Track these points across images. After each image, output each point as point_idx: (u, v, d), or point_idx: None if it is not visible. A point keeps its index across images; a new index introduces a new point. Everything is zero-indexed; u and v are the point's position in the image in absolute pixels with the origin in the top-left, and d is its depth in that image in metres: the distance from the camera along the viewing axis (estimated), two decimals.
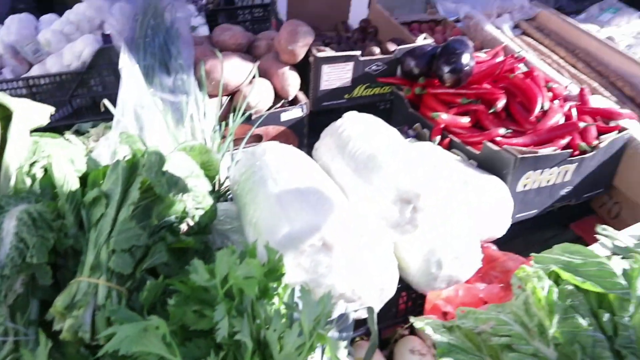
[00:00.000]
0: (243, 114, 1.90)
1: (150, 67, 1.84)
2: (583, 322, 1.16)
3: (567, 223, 2.28)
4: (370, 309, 1.09)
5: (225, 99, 2.03)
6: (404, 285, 1.47)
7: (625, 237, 1.71)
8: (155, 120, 1.72)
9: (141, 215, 1.05)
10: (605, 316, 1.19)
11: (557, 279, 1.30)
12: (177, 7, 2.09)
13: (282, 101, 2.16)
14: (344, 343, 0.86)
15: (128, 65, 1.79)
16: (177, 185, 1.13)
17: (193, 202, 1.23)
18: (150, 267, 1.06)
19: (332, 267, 1.15)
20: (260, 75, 2.12)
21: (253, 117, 2.02)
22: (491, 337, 1.21)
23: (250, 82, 2.07)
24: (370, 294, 1.27)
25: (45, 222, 0.98)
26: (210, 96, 1.96)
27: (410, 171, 1.29)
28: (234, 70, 2.03)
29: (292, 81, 2.15)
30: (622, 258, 1.57)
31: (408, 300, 1.57)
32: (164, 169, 1.11)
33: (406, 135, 2.01)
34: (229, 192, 1.67)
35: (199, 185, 1.29)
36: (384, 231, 1.29)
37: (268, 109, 2.10)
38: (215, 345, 0.92)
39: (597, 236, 1.72)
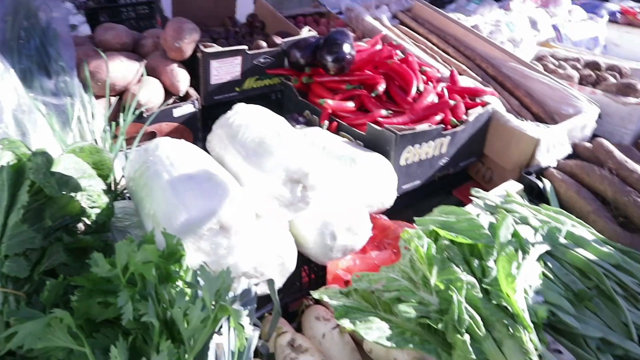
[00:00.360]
0: (133, 112, 1.90)
1: (27, 70, 1.77)
2: (457, 269, 1.34)
3: (450, 190, 2.53)
4: (270, 281, 1.18)
5: (114, 99, 2.00)
6: (304, 260, 1.58)
7: (494, 196, 1.95)
8: (39, 125, 1.67)
9: (33, 218, 1.05)
10: (476, 262, 1.38)
11: (436, 237, 1.48)
12: (52, 7, 2.02)
13: (173, 97, 2.18)
14: (245, 312, 0.93)
15: (1, 70, 1.71)
16: (69, 184, 1.13)
17: (88, 202, 1.24)
18: (49, 268, 1.07)
19: (232, 247, 1.22)
20: (148, 74, 2.11)
21: (145, 115, 2.02)
22: (383, 294, 1.36)
23: (139, 80, 2.06)
24: (272, 269, 1.37)
25: None
26: (98, 97, 1.93)
27: (297, 153, 1.38)
28: (121, 69, 2.01)
29: (181, 77, 2.17)
30: (491, 214, 1.81)
31: (311, 274, 1.68)
32: (53, 170, 1.11)
33: (297, 122, 2.12)
34: (126, 191, 1.68)
35: (93, 185, 1.30)
36: (278, 211, 1.38)
37: (159, 107, 2.10)
38: (124, 332, 0.96)
39: (472, 198, 1.95)
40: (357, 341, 1.44)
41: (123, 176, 1.69)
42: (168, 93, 2.18)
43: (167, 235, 1.00)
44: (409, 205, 2.22)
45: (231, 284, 0.97)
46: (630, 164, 2.12)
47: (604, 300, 1.53)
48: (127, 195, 1.66)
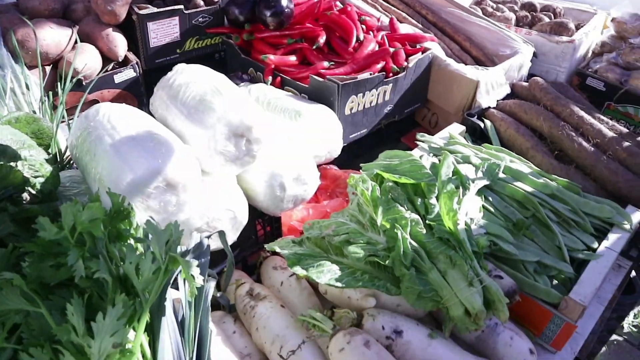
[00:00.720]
0: (70, 80, 1.85)
1: None
2: (402, 209, 1.41)
3: (399, 137, 2.60)
4: (221, 233, 1.22)
5: (49, 69, 1.94)
6: (258, 213, 1.62)
7: (438, 139, 2.03)
8: None
9: None
10: (419, 200, 1.46)
11: (381, 180, 1.54)
12: None
13: (112, 63, 2.12)
14: (195, 263, 0.97)
15: None
16: (6, 154, 1.12)
17: (30, 171, 1.23)
18: None
19: (182, 204, 1.25)
20: (82, 40, 2.05)
21: (84, 84, 1.97)
22: (333, 238, 1.42)
23: (73, 47, 2.00)
24: (224, 224, 1.40)
25: None
26: (31, 67, 1.87)
27: (238, 107, 1.40)
28: (51, 37, 1.94)
29: (118, 42, 2.12)
30: (436, 156, 1.89)
31: (266, 226, 1.73)
32: None
33: (241, 80, 2.12)
34: (71, 161, 1.66)
35: (34, 155, 1.28)
36: (225, 166, 1.40)
37: (98, 74, 2.05)
38: (79, 292, 0.98)
39: (417, 142, 2.02)
40: (314, 286, 1.50)
41: (67, 147, 1.67)
42: (106, 59, 2.12)
43: (112, 194, 1.02)
44: (359, 155, 2.28)
45: (180, 236, 1.00)
46: (563, 99, 2.23)
47: (540, 227, 1.65)
48: (74, 164, 1.64)
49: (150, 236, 0.96)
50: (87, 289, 0.97)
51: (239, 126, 1.36)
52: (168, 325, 1.03)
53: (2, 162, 1.10)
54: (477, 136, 2.22)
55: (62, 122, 1.79)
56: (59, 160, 1.60)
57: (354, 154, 2.19)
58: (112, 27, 2.12)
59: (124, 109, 1.42)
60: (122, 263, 0.98)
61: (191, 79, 1.56)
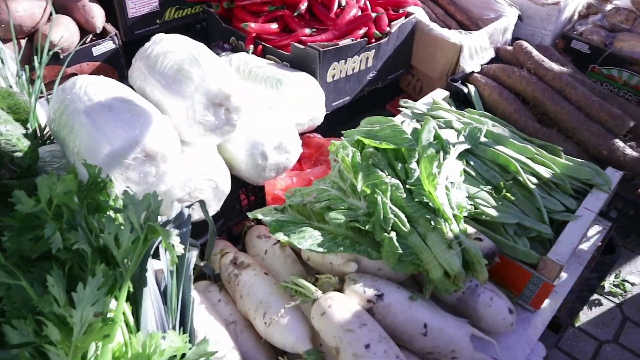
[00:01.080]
0: (47, 53, 1.82)
1: None
2: (382, 174, 1.41)
3: (384, 105, 2.60)
4: (201, 202, 1.22)
5: (24, 42, 1.90)
6: (241, 183, 1.62)
7: (421, 105, 2.03)
8: None
9: None
10: (399, 165, 1.46)
11: (363, 146, 1.55)
12: None
13: (90, 36, 2.09)
14: (176, 232, 0.98)
15: None
16: None
17: (7, 146, 1.23)
18: None
19: (162, 175, 1.25)
20: (58, 12, 2.01)
21: (61, 57, 1.94)
22: (315, 205, 1.43)
23: (48, 20, 1.96)
24: (207, 194, 1.41)
25: None
26: (4, 41, 1.83)
27: (217, 76, 1.39)
28: (25, 8, 1.90)
29: (95, 13, 2.08)
30: (418, 122, 1.89)
31: (250, 196, 1.74)
32: None
33: (222, 50, 2.09)
34: (52, 135, 1.65)
35: (11, 130, 1.27)
36: (205, 136, 1.40)
37: (76, 46, 2.02)
38: (60, 264, 0.99)
39: (400, 109, 2.02)
40: (297, 254, 1.52)
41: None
42: (84, 31, 2.09)
43: (88, 166, 1.02)
44: (342, 123, 2.27)
45: (159, 206, 1.01)
46: (547, 62, 2.23)
47: (520, 190, 1.67)
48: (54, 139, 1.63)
49: (128, 206, 0.96)
50: (67, 261, 0.98)
51: (218, 95, 1.36)
52: (150, 294, 1.05)
53: None
54: (461, 101, 2.22)
55: (41, 96, 1.77)
56: (39, 135, 1.59)
57: (337, 122, 2.19)
58: None
59: (102, 81, 1.41)
60: (101, 234, 0.99)
61: (169, 48, 1.54)
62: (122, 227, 0.95)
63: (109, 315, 0.92)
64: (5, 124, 1.27)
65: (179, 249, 0.99)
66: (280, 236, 1.33)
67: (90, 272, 0.95)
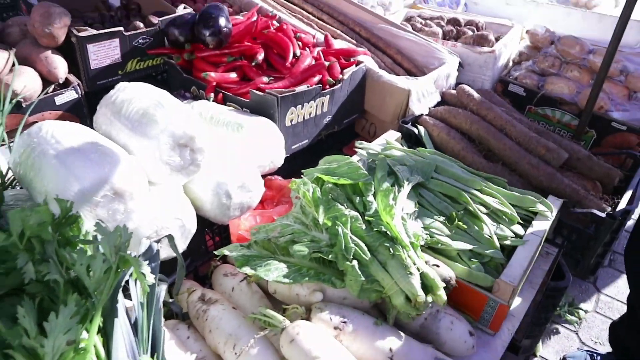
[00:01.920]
0: (10, 102, 1.84)
1: None
2: (342, 207, 1.49)
3: (341, 147, 2.71)
4: (169, 236, 1.26)
5: None
6: (206, 223, 1.66)
7: (375, 146, 2.14)
8: None
9: None
10: (357, 199, 1.55)
11: (322, 183, 1.63)
12: None
13: (53, 85, 2.13)
14: (146, 262, 1.01)
15: None
16: None
17: None
18: None
19: (130, 212, 1.28)
20: (21, 63, 2.05)
21: (24, 106, 1.97)
22: (279, 239, 1.49)
23: (11, 70, 1.99)
24: (173, 232, 1.44)
25: None
26: None
27: (181, 119, 1.46)
28: None
29: (58, 64, 2.12)
30: (374, 162, 2.00)
31: (214, 237, 1.77)
32: None
33: (184, 98, 2.17)
34: (15, 182, 1.65)
35: None
36: (171, 176, 1.45)
37: (38, 96, 2.05)
38: (30, 297, 1.00)
39: (356, 149, 2.13)
40: (264, 290, 1.56)
41: (9, 168, 1.66)
42: (46, 81, 2.12)
43: (60, 200, 1.04)
44: (302, 166, 2.36)
45: (129, 239, 1.04)
46: (488, 103, 2.42)
47: (472, 219, 1.78)
48: (17, 184, 1.64)
49: (99, 237, 0.99)
50: (37, 294, 0.99)
51: (182, 136, 1.42)
52: (121, 326, 1.06)
53: None
54: (413, 142, 2.36)
55: (2, 144, 1.78)
56: (0, 181, 1.60)
57: (297, 165, 2.27)
58: (51, 50, 2.13)
59: (67, 125, 1.45)
60: (73, 266, 1.01)
61: (134, 95, 1.60)
62: (94, 258, 0.98)
63: (80, 346, 0.94)
64: None
65: (150, 278, 1.02)
66: (247, 270, 1.37)
67: (62, 302, 0.96)
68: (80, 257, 0.98)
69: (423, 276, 1.39)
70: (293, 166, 2.16)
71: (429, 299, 1.38)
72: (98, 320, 0.97)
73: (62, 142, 1.34)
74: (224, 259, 1.68)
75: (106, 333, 1.03)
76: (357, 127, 2.73)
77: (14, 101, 1.87)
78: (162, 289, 1.18)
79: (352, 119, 2.52)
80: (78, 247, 1.06)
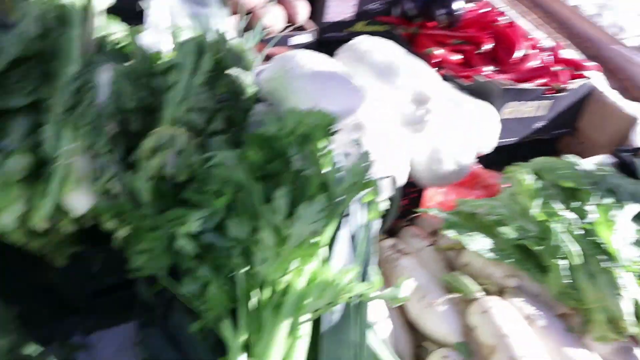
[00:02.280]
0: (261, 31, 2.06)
1: None
2: (557, 206, 1.42)
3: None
4: (392, 177, 1.31)
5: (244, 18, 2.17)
6: (407, 183, 1.70)
7: (589, 163, 2.00)
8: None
9: (210, 84, 1.21)
10: (574, 204, 1.46)
11: (537, 179, 1.56)
12: None
13: (292, 26, 2.33)
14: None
15: None
16: (240, 60, 1.30)
17: (239, 89, 1.41)
18: (214, 130, 1.23)
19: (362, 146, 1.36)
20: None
21: (265, 38, 2.18)
22: (485, 216, 1.46)
23: (264, 6, 2.22)
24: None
25: (136, 76, 1.13)
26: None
27: (423, 77, 1.50)
28: None
29: (300, 9, 2.32)
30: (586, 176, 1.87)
31: (410, 196, 1.80)
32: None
33: None
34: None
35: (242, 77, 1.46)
36: (399, 128, 1.50)
37: (279, 32, 2.26)
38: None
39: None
40: (447, 261, 1.55)
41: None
42: (288, 22, 2.33)
43: (323, 113, 1.14)
44: (492, 163, 2.29)
45: (370, 165, 1.11)
46: None
47: None
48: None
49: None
50: (291, 183, 1.09)
51: (422, 93, 1.46)
52: (343, 238, 1.13)
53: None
54: (626, 174, 2.15)
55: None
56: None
57: (488, 160, 2.21)
58: None
59: (318, 55, 1.57)
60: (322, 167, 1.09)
61: (375, 46, 1.69)
62: (341, 170, 1.06)
63: (316, 239, 1.02)
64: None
65: (383, 204, 1.07)
66: (452, 233, 1.38)
67: (310, 197, 1.05)
68: (330, 166, 1.07)
69: (636, 305, 1.28)
70: (483, 160, 2.11)
71: (637, 329, 1.27)
72: (336, 223, 1.05)
73: (316, 69, 1.46)
74: (411, 221, 1.71)
75: (332, 238, 1.11)
76: (561, 143, 2.57)
77: (264, 31, 2.08)
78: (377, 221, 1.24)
79: (561, 132, 2.38)
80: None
